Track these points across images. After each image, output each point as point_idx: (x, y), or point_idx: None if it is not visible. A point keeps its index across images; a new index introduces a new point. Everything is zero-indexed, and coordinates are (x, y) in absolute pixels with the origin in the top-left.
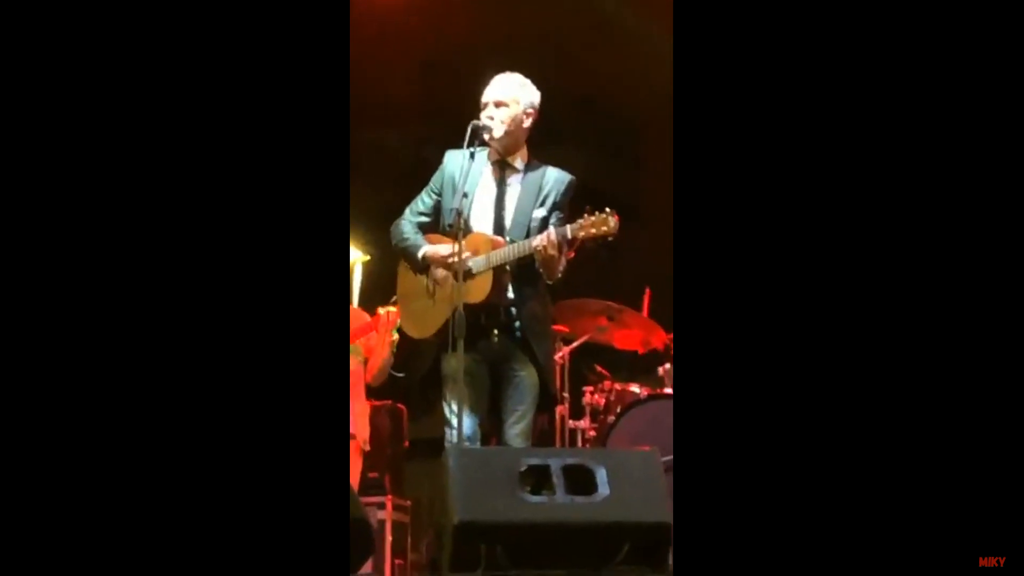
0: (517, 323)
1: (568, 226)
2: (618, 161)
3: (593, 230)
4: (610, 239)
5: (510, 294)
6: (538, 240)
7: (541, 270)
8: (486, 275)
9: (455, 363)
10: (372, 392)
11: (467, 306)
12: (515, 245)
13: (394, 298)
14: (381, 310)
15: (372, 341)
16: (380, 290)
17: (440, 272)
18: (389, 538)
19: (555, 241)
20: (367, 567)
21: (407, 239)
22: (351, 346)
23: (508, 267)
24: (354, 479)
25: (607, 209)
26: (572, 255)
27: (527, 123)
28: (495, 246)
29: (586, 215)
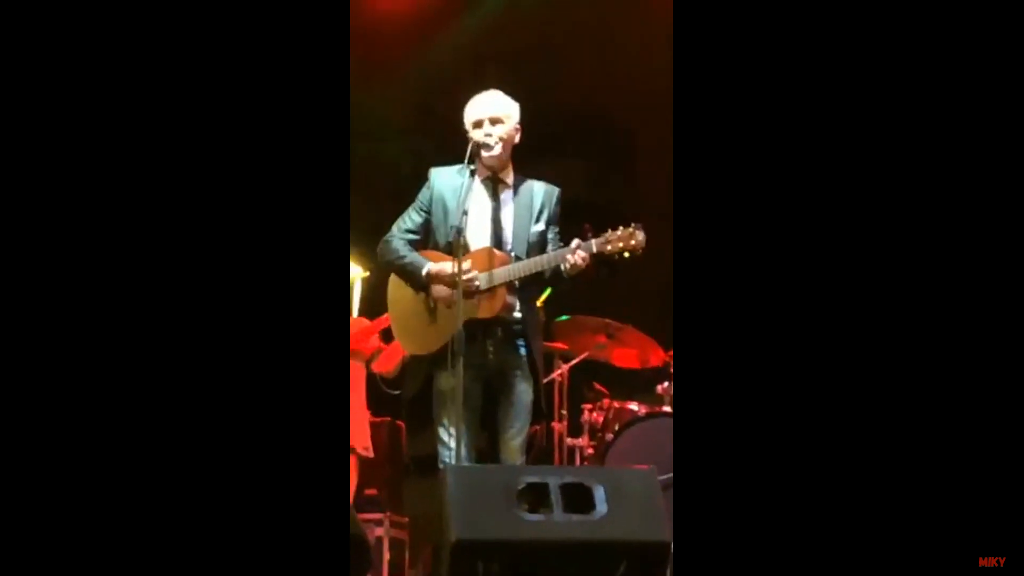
0: (521, 339)
1: (593, 240)
2: (615, 176)
3: (621, 244)
4: (638, 253)
5: (517, 311)
6: (571, 258)
7: (567, 276)
8: (498, 291)
9: (451, 381)
10: (369, 408)
11: (467, 323)
12: (540, 258)
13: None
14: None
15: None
16: (380, 305)
17: (443, 290)
18: (387, 555)
19: (587, 258)
20: None
21: (404, 256)
22: (351, 350)
23: (517, 283)
24: (351, 493)
25: (632, 224)
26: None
27: (516, 138)
28: (501, 262)
29: (610, 230)
